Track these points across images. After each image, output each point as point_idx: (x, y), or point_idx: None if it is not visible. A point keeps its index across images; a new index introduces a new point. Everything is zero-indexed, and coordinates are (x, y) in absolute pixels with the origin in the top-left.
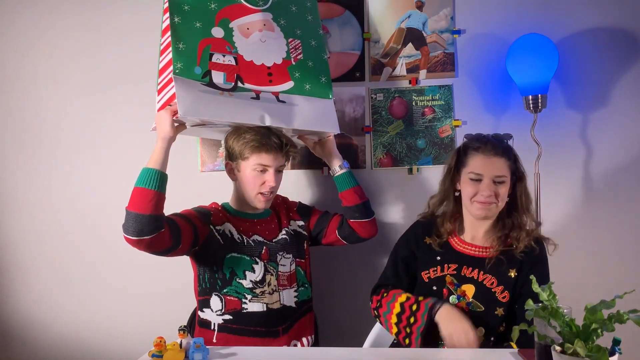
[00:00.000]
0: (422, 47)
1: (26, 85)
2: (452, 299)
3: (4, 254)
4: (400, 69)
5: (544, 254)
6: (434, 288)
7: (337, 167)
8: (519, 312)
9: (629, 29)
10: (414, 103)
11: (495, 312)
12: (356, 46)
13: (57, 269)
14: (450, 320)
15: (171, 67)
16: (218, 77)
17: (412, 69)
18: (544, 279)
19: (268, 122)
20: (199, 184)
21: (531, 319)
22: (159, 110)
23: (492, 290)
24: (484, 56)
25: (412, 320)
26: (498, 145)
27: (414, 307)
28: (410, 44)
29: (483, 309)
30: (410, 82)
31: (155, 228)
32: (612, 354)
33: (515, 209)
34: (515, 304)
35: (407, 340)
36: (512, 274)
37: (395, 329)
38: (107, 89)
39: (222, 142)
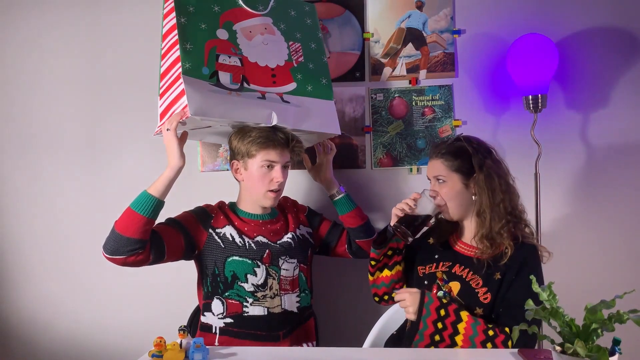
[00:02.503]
0: (422, 47)
1: (26, 87)
2: (440, 294)
3: (5, 254)
4: (400, 69)
5: (532, 259)
6: (426, 282)
7: (335, 191)
8: (502, 318)
9: (629, 29)
10: (414, 103)
11: (475, 312)
12: (356, 46)
13: (57, 269)
14: None
15: (173, 71)
16: (225, 78)
17: (412, 69)
18: (527, 284)
19: (275, 121)
20: (199, 184)
21: (531, 319)
22: (161, 115)
23: (476, 290)
24: (484, 56)
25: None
26: (439, 147)
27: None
28: (410, 44)
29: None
30: (410, 82)
31: (131, 250)
32: (612, 354)
33: (477, 208)
34: (499, 307)
35: (371, 262)
36: (497, 276)
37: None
38: (108, 91)
39: (224, 144)
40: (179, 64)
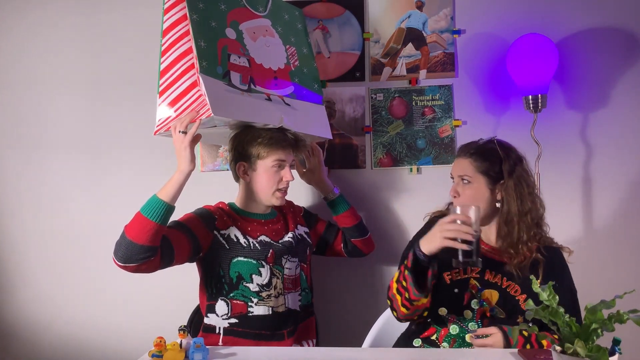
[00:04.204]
0: (422, 47)
1: (27, 87)
2: (474, 303)
3: (5, 254)
4: (400, 69)
5: (561, 261)
6: (456, 290)
7: (330, 193)
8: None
9: (629, 29)
10: (414, 103)
11: (518, 320)
12: (356, 46)
13: (58, 268)
14: (428, 236)
15: (175, 68)
16: (235, 78)
17: (412, 69)
18: (568, 286)
19: (285, 124)
20: (199, 184)
21: (531, 319)
22: (162, 114)
23: (516, 298)
24: (484, 56)
25: (406, 273)
26: (468, 147)
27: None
28: (410, 44)
29: (504, 316)
30: (410, 82)
31: (144, 257)
32: (612, 354)
33: (504, 215)
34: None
35: (406, 295)
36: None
37: (398, 298)
38: (109, 90)
39: (223, 145)
40: (183, 61)
